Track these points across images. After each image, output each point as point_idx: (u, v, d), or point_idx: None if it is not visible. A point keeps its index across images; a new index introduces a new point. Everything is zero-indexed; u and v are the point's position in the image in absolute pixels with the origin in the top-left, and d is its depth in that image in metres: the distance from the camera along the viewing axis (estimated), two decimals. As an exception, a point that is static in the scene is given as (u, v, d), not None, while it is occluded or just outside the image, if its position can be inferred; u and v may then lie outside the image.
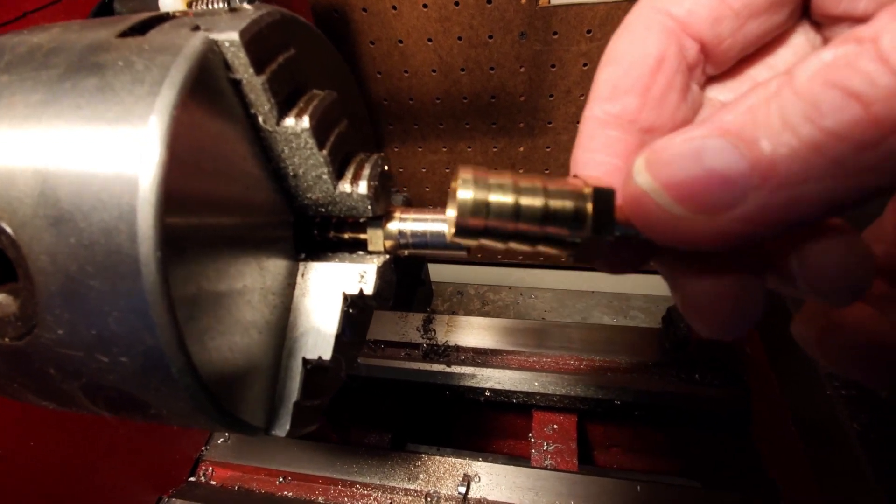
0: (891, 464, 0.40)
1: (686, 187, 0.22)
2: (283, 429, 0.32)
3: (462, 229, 0.27)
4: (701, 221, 0.22)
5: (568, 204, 0.27)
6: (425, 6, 1.10)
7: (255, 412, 0.31)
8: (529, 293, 1.61)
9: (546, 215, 0.27)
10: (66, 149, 0.23)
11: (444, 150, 1.39)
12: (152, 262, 0.22)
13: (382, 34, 1.17)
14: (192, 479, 0.63)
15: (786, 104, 0.20)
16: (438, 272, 1.69)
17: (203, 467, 0.64)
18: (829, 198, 0.20)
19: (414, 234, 0.36)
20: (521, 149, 1.34)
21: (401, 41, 1.17)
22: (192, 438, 0.65)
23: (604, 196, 0.26)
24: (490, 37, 1.14)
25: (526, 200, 0.27)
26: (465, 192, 0.26)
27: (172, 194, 0.23)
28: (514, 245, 0.29)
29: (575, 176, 0.30)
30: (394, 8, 1.11)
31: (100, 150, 0.23)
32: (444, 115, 1.31)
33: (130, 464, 0.58)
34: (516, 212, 0.27)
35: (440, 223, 0.35)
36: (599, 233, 0.26)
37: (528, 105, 1.25)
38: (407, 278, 1.34)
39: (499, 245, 0.29)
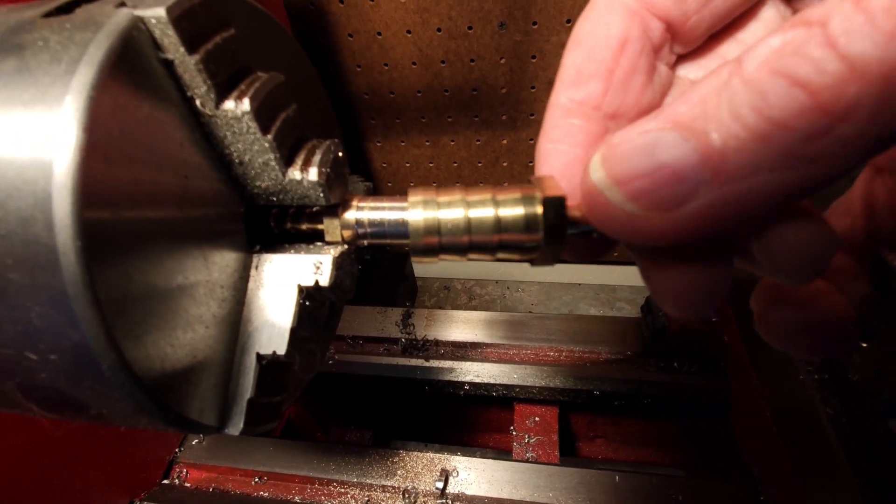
0: (861, 446, 0.40)
1: (638, 184, 0.21)
2: (236, 427, 0.31)
3: (418, 250, 0.29)
4: (655, 218, 0.21)
5: (519, 213, 0.27)
6: (402, -3, 1.08)
7: (204, 410, 0.29)
8: (516, 287, 1.61)
9: (498, 226, 0.28)
10: (-21, 134, 0.22)
11: (428, 144, 1.38)
12: (71, 251, 0.21)
13: (360, 26, 1.15)
14: (165, 481, 0.62)
15: (734, 94, 0.19)
16: (424, 267, 1.68)
17: (177, 469, 0.63)
18: (780, 189, 0.19)
19: (372, 223, 0.35)
20: (505, 141, 1.33)
21: (379, 33, 1.16)
22: (165, 440, 0.63)
23: (554, 203, 0.27)
24: (469, 28, 1.12)
25: (476, 214, 0.28)
26: (416, 214, 0.28)
27: (91, 179, 0.21)
28: (473, 256, 0.30)
29: (529, 180, 0.30)
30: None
31: (13, 135, 0.22)
32: (425, 108, 1.29)
33: (98, 467, 0.56)
34: (468, 226, 0.28)
35: (398, 212, 0.34)
36: (552, 239, 0.27)
37: (510, 97, 1.24)
38: (390, 273, 1.33)
39: (459, 258, 0.30)
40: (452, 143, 1.37)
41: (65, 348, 0.23)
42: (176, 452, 0.64)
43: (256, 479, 0.61)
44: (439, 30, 1.14)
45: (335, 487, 0.58)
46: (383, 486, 0.58)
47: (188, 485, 0.61)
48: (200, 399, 0.29)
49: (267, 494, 0.59)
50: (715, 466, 0.74)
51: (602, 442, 0.85)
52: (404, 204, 0.35)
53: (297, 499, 0.58)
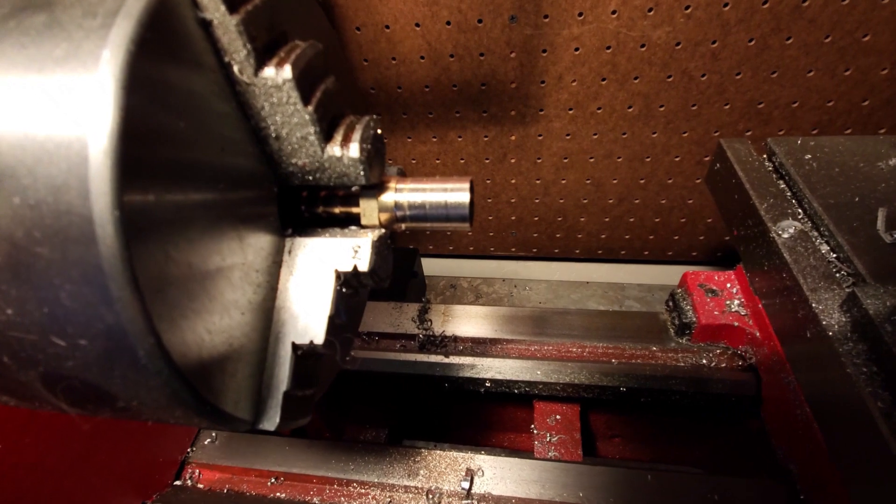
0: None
1: None
2: (271, 421, 0.29)
3: None
4: None
5: None
6: (412, -11, 1.06)
7: (239, 403, 0.27)
8: (524, 285, 1.59)
9: None
10: (4, 93, 0.20)
11: (434, 139, 1.36)
12: (109, 222, 0.19)
13: (368, 20, 1.13)
14: (177, 482, 0.59)
15: None
16: (430, 265, 1.66)
17: (189, 470, 0.60)
18: None
19: (412, 206, 0.33)
20: (513, 137, 1.32)
21: (387, 27, 1.14)
22: (177, 439, 0.61)
23: None
24: (479, 21, 1.10)
25: None
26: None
27: (131, 145, 0.19)
28: None
29: None
30: (379, -8, 1.07)
31: (44, 93, 0.19)
32: (433, 103, 1.27)
33: (109, 468, 0.54)
34: None
35: (440, 193, 0.32)
36: None
37: (519, 92, 1.22)
38: (399, 270, 1.30)
39: None
40: (460, 139, 1.35)
41: (97, 332, 0.20)
42: (188, 452, 0.61)
43: (272, 480, 0.58)
44: (449, 23, 1.12)
45: (355, 488, 0.56)
46: (406, 487, 0.56)
47: (201, 486, 0.59)
48: (236, 390, 0.27)
49: (284, 496, 0.57)
50: (738, 466, 0.73)
51: (620, 441, 0.83)
52: (447, 185, 0.33)
53: (315, 500, 0.56)
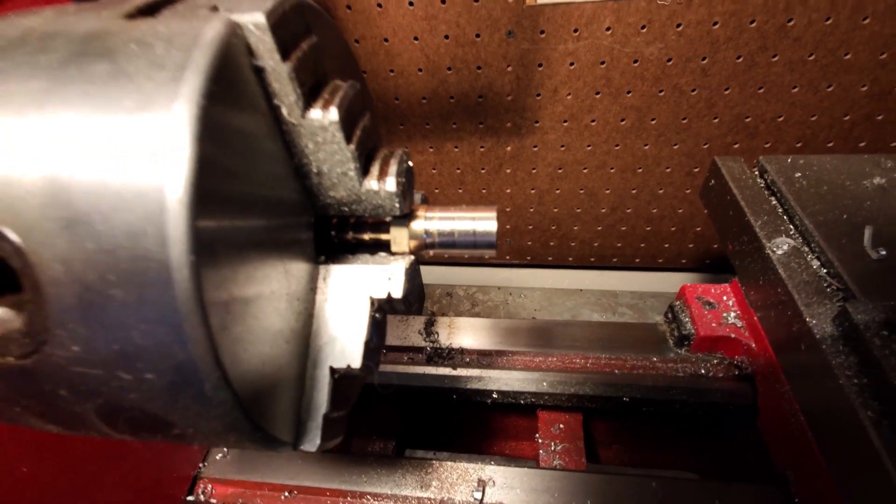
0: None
1: None
2: (312, 443, 0.30)
3: None
4: None
5: None
6: (411, 4, 1.08)
7: (283, 427, 0.28)
8: (518, 293, 1.61)
9: None
10: (75, 141, 0.21)
11: (431, 150, 1.37)
12: (185, 267, 0.20)
13: (367, 32, 1.14)
14: (190, 497, 0.59)
15: None
16: (426, 274, 1.68)
17: (201, 485, 0.61)
18: None
19: (441, 234, 0.34)
20: (509, 148, 1.34)
21: (386, 39, 1.15)
22: (188, 455, 0.61)
23: None
24: (477, 35, 1.13)
25: None
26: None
27: (204, 193, 0.20)
28: None
29: None
30: (379, 6, 1.09)
31: (117, 143, 0.21)
32: (430, 115, 1.29)
33: (123, 486, 0.54)
34: None
35: (469, 221, 0.34)
36: None
37: (515, 104, 1.25)
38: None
39: None
40: (456, 150, 1.37)
41: (166, 367, 0.22)
42: (200, 467, 0.62)
43: (286, 494, 0.59)
44: (447, 37, 1.14)
45: (368, 500, 0.57)
46: (419, 498, 0.57)
47: (214, 501, 0.59)
48: (280, 416, 0.28)
49: (296, 509, 0.57)
50: (733, 472, 0.75)
51: (618, 448, 0.86)
52: (475, 214, 0.34)
53: (329, 513, 0.57)
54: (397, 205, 0.31)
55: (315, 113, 0.27)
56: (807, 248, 0.60)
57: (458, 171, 1.42)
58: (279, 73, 0.25)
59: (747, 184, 0.67)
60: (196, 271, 0.20)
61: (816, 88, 1.09)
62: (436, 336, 0.72)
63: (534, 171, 1.37)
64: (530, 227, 1.52)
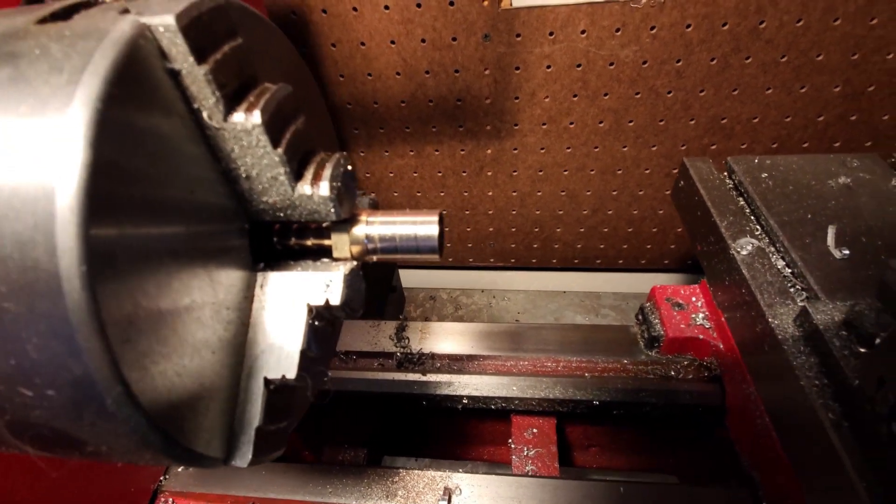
0: (863, 451, 0.40)
1: None
2: (244, 458, 0.29)
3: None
4: None
5: None
6: (387, 8, 1.07)
7: (210, 441, 0.27)
8: (502, 295, 1.61)
9: None
10: (-34, 150, 0.20)
11: (412, 154, 1.37)
12: (76, 277, 0.19)
13: (344, 36, 1.14)
14: (150, 512, 0.58)
15: None
16: (409, 277, 1.67)
17: (162, 498, 0.59)
18: None
19: (382, 239, 0.33)
20: (489, 151, 1.34)
21: (363, 43, 1.15)
22: (149, 468, 0.60)
23: None
24: (454, 39, 1.12)
25: None
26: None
27: (98, 200, 0.20)
28: None
29: None
30: (354, 10, 1.09)
31: (9, 149, 0.20)
32: (410, 118, 1.29)
33: (80, 500, 0.53)
34: None
35: (410, 226, 0.33)
36: None
37: (494, 107, 1.24)
38: (378, 285, 1.31)
39: None
40: (437, 153, 1.37)
41: (64, 382, 0.21)
42: (161, 481, 0.60)
43: (248, 506, 0.58)
44: (423, 41, 1.13)
45: (333, 511, 0.56)
46: (383, 508, 0.56)
47: (174, 515, 0.58)
48: (208, 430, 0.27)
49: (260, 521, 0.56)
50: (710, 473, 0.75)
51: (596, 451, 0.85)
52: (416, 218, 0.34)
53: (292, 525, 0.55)
54: (332, 210, 0.30)
55: (238, 116, 0.26)
56: (772, 249, 0.60)
57: (440, 175, 1.41)
58: (195, 75, 0.25)
59: (714, 184, 0.67)
60: (89, 282, 0.19)
61: (790, 89, 1.10)
62: (406, 341, 0.71)
63: (515, 174, 1.37)
64: (513, 229, 1.52)
